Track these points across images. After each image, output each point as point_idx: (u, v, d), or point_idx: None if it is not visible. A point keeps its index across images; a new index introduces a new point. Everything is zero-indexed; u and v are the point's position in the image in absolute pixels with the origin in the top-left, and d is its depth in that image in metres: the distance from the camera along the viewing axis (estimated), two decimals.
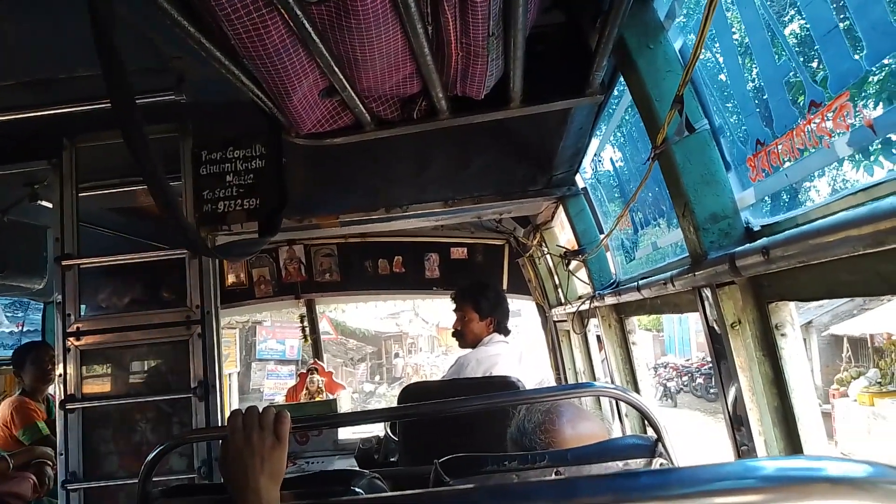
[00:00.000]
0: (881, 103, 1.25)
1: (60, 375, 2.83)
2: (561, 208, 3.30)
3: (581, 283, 3.40)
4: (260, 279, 5.04)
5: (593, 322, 3.36)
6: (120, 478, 2.80)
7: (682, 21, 1.79)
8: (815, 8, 1.22)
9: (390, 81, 1.91)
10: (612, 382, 2.94)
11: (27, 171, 2.96)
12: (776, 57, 1.40)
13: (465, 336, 3.41)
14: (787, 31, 1.44)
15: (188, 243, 2.44)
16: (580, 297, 3.39)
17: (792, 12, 1.52)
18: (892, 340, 13.72)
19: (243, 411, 1.24)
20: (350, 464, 3.59)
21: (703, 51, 1.44)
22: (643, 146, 2.23)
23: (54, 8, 1.85)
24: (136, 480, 1.40)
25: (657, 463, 1.29)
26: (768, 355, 1.52)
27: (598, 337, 3.44)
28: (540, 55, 2.01)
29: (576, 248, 3.24)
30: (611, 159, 2.87)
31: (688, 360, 21.27)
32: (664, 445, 1.33)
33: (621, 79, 2.07)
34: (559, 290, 3.94)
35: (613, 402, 3.13)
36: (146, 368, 3.02)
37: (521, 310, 6.34)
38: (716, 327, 1.64)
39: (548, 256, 3.93)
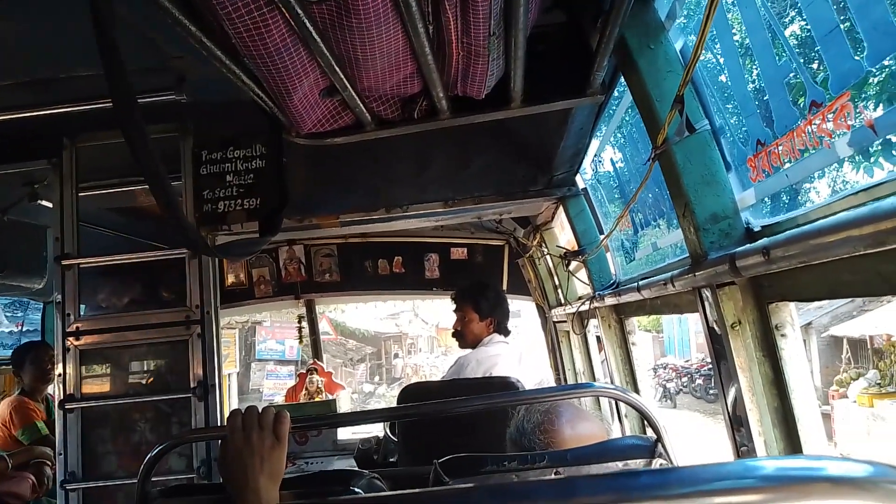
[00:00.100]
0: (881, 104, 1.25)
1: (60, 375, 2.83)
2: (561, 209, 3.30)
3: (581, 284, 3.40)
4: (260, 279, 5.04)
5: (593, 323, 3.36)
6: (119, 478, 2.79)
7: (683, 22, 1.79)
8: (815, 8, 1.22)
9: (391, 81, 1.91)
10: (612, 383, 2.94)
11: (27, 171, 2.96)
12: (777, 57, 1.40)
13: (465, 336, 3.41)
14: (787, 32, 1.44)
15: (188, 243, 2.44)
16: (580, 298, 3.38)
17: (793, 13, 1.52)
18: (891, 342, 13.71)
19: (243, 411, 1.24)
20: (349, 464, 3.59)
21: (703, 51, 1.44)
22: (643, 147, 2.23)
23: (54, 7, 1.85)
24: (136, 480, 1.40)
25: (657, 463, 1.29)
26: (768, 356, 1.52)
27: (598, 337, 3.44)
28: (541, 55, 2.01)
29: (576, 248, 3.24)
30: (611, 160, 2.87)
31: (687, 361, 21.25)
32: (664, 446, 1.33)
33: (622, 79, 2.07)
34: (559, 290, 3.94)
35: (613, 402, 3.13)
36: (145, 368, 3.02)
37: (521, 310, 6.33)
38: (716, 328, 1.64)
39: (548, 257, 3.93)
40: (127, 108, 1.45)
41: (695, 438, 11.93)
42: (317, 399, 4.65)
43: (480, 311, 3.35)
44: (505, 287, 4.73)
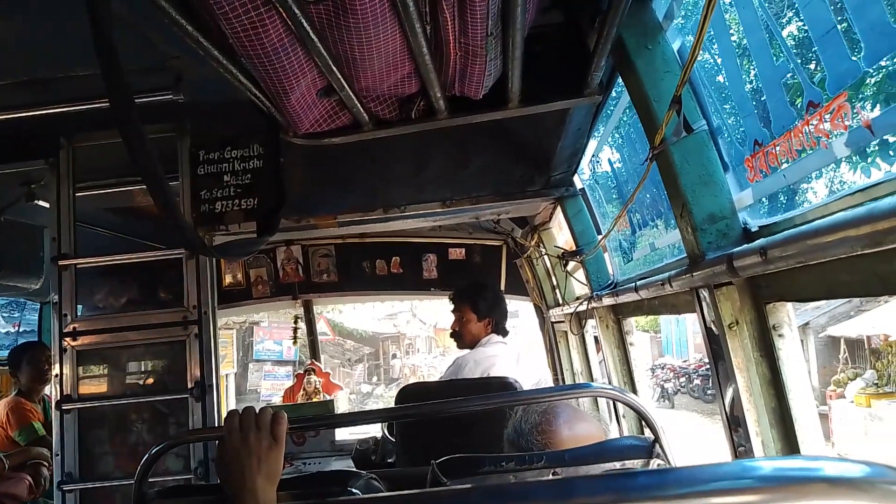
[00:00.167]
0: (879, 104, 1.25)
1: (56, 376, 2.82)
2: (559, 209, 3.30)
3: (579, 284, 3.40)
4: (257, 279, 5.03)
5: (591, 323, 3.36)
6: (116, 478, 2.79)
7: (681, 22, 1.79)
8: (813, 9, 1.22)
9: (388, 81, 1.91)
10: (610, 383, 2.94)
11: (24, 171, 2.95)
12: (774, 58, 1.40)
13: (463, 337, 3.41)
14: (785, 32, 1.45)
15: (186, 243, 2.44)
16: (578, 298, 3.38)
17: (790, 14, 1.52)
18: (888, 342, 13.74)
19: (240, 412, 1.24)
20: (347, 465, 3.58)
21: (701, 52, 1.44)
22: (641, 147, 2.24)
23: (52, 7, 1.84)
24: (133, 481, 1.39)
25: (654, 464, 1.29)
26: (766, 356, 1.52)
27: (596, 338, 3.44)
28: (538, 55, 2.02)
29: (574, 248, 3.24)
30: (609, 160, 2.87)
31: (685, 362, 21.27)
32: (661, 446, 1.32)
33: (619, 79, 2.07)
34: (557, 290, 3.94)
35: (611, 402, 3.13)
36: (143, 369, 3.02)
37: (519, 310, 6.33)
38: (713, 328, 1.64)
39: (545, 257, 3.93)
40: (124, 108, 1.45)
41: (693, 439, 11.94)
42: (314, 400, 4.64)
43: (478, 311, 3.35)
44: (503, 287, 4.73)
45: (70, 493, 2.74)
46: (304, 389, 4.75)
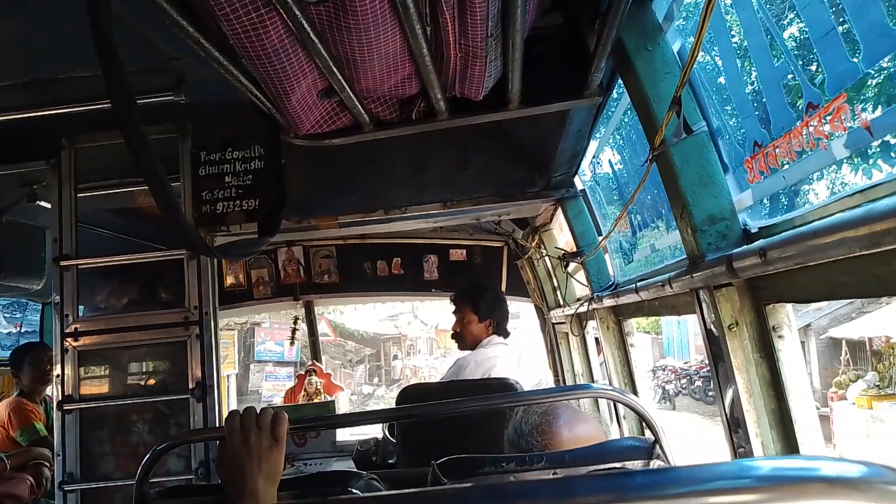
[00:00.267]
0: (880, 106, 1.25)
1: (58, 376, 2.83)
2: (559, 210, 3.30)
3: (579, 285, 3.40)
4: (258, 280, 5.04)
5: (592, 324, 3.36)
6: (117, 479, 2.79)
7: (682, 24, 1.79)
8: (812, 10, 1.22)
9: (389, 82, 1.91)
10: (610, 384, 2.94)
11: (25, 172, 2.96)
12: (774, 59, 1.41)
13: (464, 338, 3.41)
14: (784, 34, 1.45)
15: (188, 243, 2.44)
16: (578, 299, 3.39)
17: (791, 15, 1.53)
18: (890, 344, 13.72)
19: (241, 412, 1.24)
20: (348, 465, 3.58)
21: (701, 53, 1.44)
22: (641, 149, 2.24)
23: (54, 8, 1.85)
24: (134, 481, 1.40)
25: (654, 465, 1.29)
26: (766, 357, 1.52)
27: (597, 339, 3.44)
28: (538, 57, 2.02)
29: (574, 250, 3.24)
30: (609, 161, 2.87)
31: (686, 363, 21.26)
32: (662, 447, 1.33)
33: (620, 81, 2.07)
34: (558, 292, 3.94)
35: (611, 404, 3.13)
36: (144, 369, 3.02)
37: (520, 312, 6.33)
38: (713, 329, 1.64)
39: (546, 258, 3.93)
40: (125, 109, 1.45)
41: (694, 440, 11.93)
42: (315, 400, 4.65)
43: (479, 312, 3.35)
44: (504, 288, 4.73)
45: (71, 493, 2.75)
46: (306, 390, 4.75)
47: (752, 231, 1.59)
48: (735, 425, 1.62)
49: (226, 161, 3.00)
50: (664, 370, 21.08)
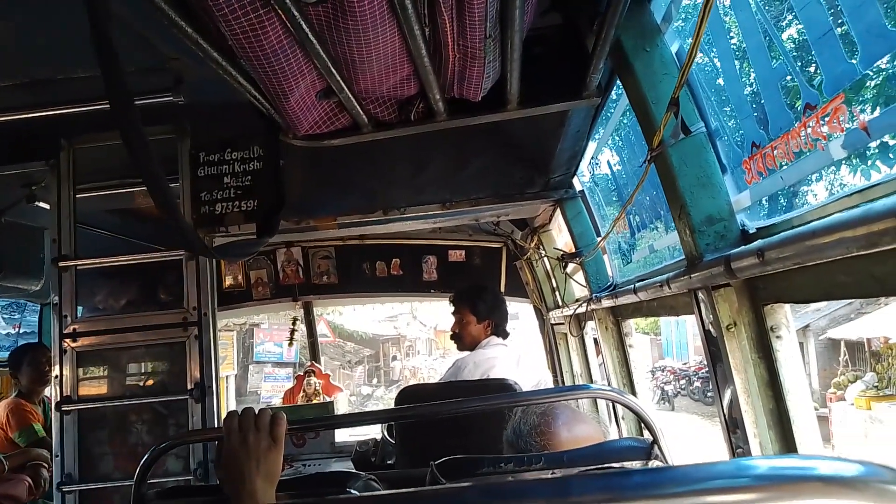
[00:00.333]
0: (878, 107, 1.25)
1: (56, 377, 2.82)
2: (558, 211, 3.30)
3: (578, 286, 3.40)
4: (257, 281, 5.04)
5: (590, 325, 3.36)
6: (115, 480, 2.79)
7: (680, 25, 1.79)
8: (810, 11, 1.22)
9: (388, 83, 1.91)
10: (609, 385, 2.94)
11: (24, 172, 2.95)
12: (772, 60, 1.41)
13: (463, 339, 3.41)
14: (783, 35, 1.45)
15: (187, 244, 2.44)
16: (577, 300, 3.39)
17: (789, 17, 1.53)
18: (889, 344, 13.73)
19: (239, 413, 1.24)
20: (347, 466, 3.58)
21: (699, 54, 1.44)
22: (640, 150, 2.24)
23: (53, 8, 1.85)
24: (132, 482, 1.39)
25: (653, 465, 1.29)
26: (764, 357, 1.52)
27: (595, 340, 3.44)
28: (537, 57, 2.02)
29: (573, 250, 3.24)
30: (608, 162, 2.88)
31: (685, 364, 21.26)
32: (660, 448, 1.33)
33: (618, 82, 2.07)
34: (556, 292, 3.94)
35: (610, 404, 3.13)
36: (142, 370, 3.02)
37: (519, 312, 6.33)
38: (711, 329, 1.64)
39: (545, 259, 3.93)
40: (124, 109, 1.45)
41: (693, 441, 11.93)
42: (314, 401, 4.64)
43: (478, 313, 3.35)
44: (503, 289, 4.74)
45: (69, 494, 2.74)
46: (304, 391, 4.74)
47: (751, 231, 1.59)
48: (733, 425, 1.62)
49: (225, 162, 3.00)
50: (663, 371, 21.08)
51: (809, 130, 1.26)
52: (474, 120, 2.21)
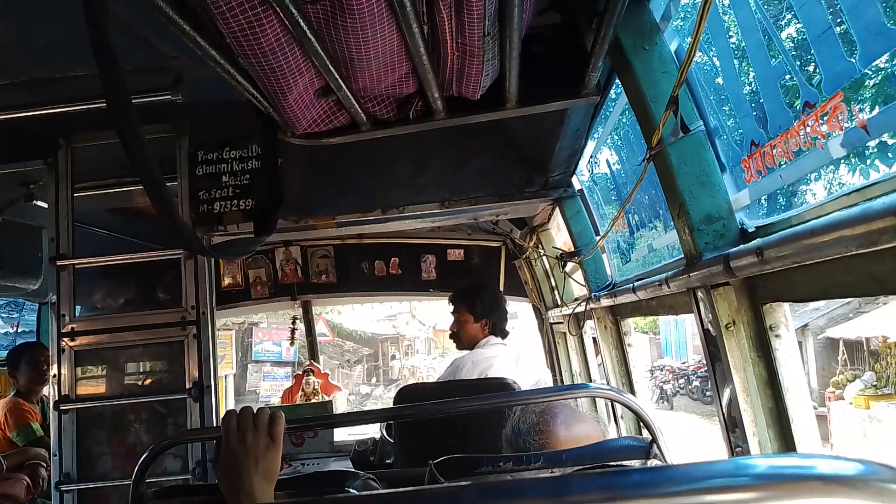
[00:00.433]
0: (877, 105, 1.25)
1: (55, 376, 2.82)
2: (557, 210, 3.30)
3: (577, 285, 3.40)
4: (256, 280, 5.03)
5: (589, 324, 3.36)
6: (114, 479, 2.79)
7: (679, 24, 1.79)
8: (809, 10, 1.22)
9: (386, 81, 1.91)
10: (608, 384, 2.94)
11: (23, 171, 2.95)
12: (771, 59, 1.41)
13: (461, 338, 3.41)
14: (782, 34, 1.45)
15: (184, 242, 2.44)
16: (576, 299, 3.39)
17: (788, 16, 1.53)
18: (887, 344, 13.74)
19: (238, 412, 1.24)
20: (346, 465, 3.58)
21: (699, 53, 1.44)
22: (639, 149, 2.24)
23: (51, 7, 1.84)
24: (130, 481, 1.39)
25: (652, 464, 1.29)
26: (763, 356, 1.52)
27: (594, 339, 3.44)
28: (536, 56, 2.02)
29: (572, 249, 3.24)
30: (607, 161, 2.88)
31: (684, 363, 21.27)
32: (659, 447, 1.32)
33: (617, 81, 2.07)
34: (555, 291, 3.94)
35: (609, 403, 3.13)
36: (141, 369, 3.02)
37: (518, 312, 6.33)
38: (710, 328, 1.64)
39: (544, 258, 3.93)
40: (121, 108, 1.45)
41: (692, 440, 11.94)
42: (313, 400, 4.64)
43: (475, 312, 3.34)
44: (501, 288, 4.73)
45: (68, 493, 2.74)
46: (303, 390, 4.74)
47: (750, 230, 1.59)
48: (732, 424, 1.62)
49: (223, 160, 2.99)
50: (662, 370, 21.09)
51: (809, 129, 1.26)
52: (473, 118, 2.21)
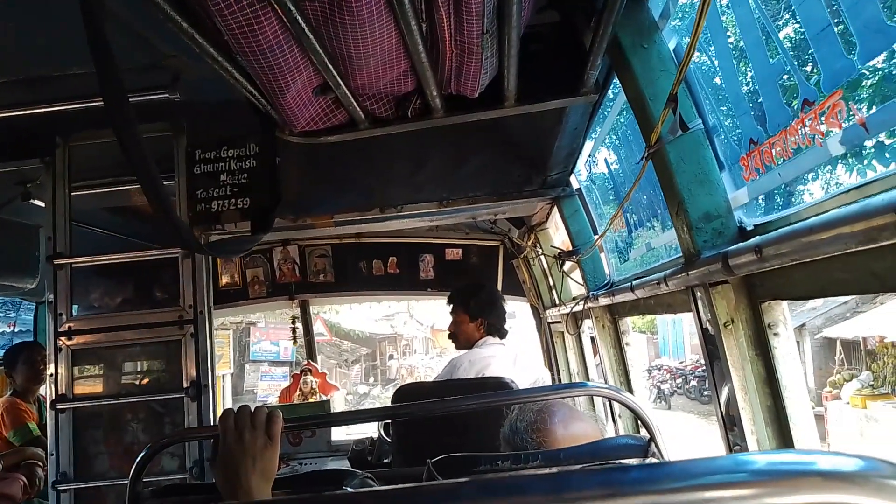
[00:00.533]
0: (875, 103, 1.25)
1: (51, 375, 2.81)
2: (555, 209, 3.30)
3: (575, 285, 3.40)
4: (254, 279, 5.02)
5: (587, 323, 3.36)
6: (111, 478, 2.78)
7: (678, 24, 1.79)
8: (808, 8, 1.22)
9: (384, 79, 1.90)
10: (606, 383, 2.93)
11: (20, 170, 2.94)
12: (770, 57, 1.41)
13: (458, 338, 3.40)
14: (780, 32, 1.45)
15: (181, 241, 2.43)
16: (574, 299, 3.38)
17: (787, 16, 1.53)
18: (884, 343, 13.76)
19: (235, 411, 1.24)
20: (343, 465, 3.57)
21: (697, 51, 1.44)
22: (637, 149, 2.24)
23: (49, 6, 1.84)
24: (127, 481, 1.39)
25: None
26: (761, 354, 1.52)
27: (592, 338, 3.44)
28: (534, 54, 2.02)
29: (570, 249, 3.24)
30: (605, 160, 2.88)
31: (682, 363, 21.30)
32: (657, 445, 1.32)
33: (616, 79, 2.07)
34: (553, 291, 3.94)
35: (607, 402, 3.13)
36: (138, 368, 3.01)
37: (516, 311, 6.32)
38: (709, 327, 1.64)
39: (542, 257, 3.93)
40: (118, 106, 1.44)
41: (690, 440, 11.95)
42: (311, 400, 4.64)
43: (471, 313, 3.33)
44: (500, 288, 4.73)
45: (64, 492, 2.73)
46: (301, 390, 4.74)
47: (748, 228, 1.59)
48: (731, 423, 1.62)
49: (221, 159, 2.98)
50: (660, 370, 21.10)
51: (807, 127, 1.26)
52: (471, 116, 2.21)
